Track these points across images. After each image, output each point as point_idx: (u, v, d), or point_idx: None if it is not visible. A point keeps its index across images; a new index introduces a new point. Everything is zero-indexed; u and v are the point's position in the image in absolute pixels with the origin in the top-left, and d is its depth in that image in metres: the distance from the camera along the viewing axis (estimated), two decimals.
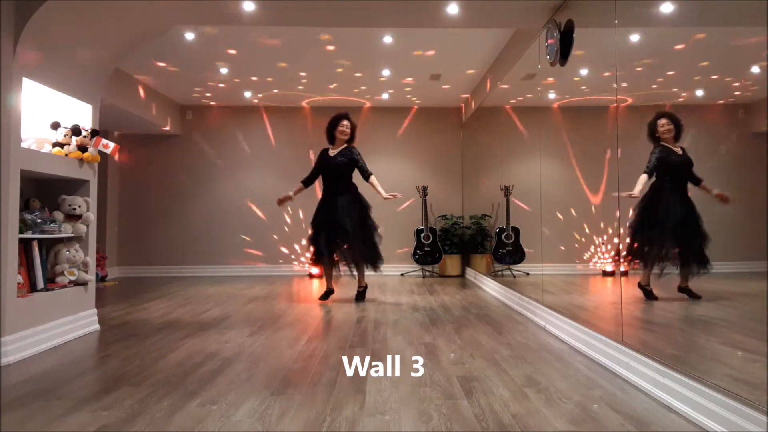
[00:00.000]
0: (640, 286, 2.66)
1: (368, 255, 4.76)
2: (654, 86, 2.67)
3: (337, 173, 4.76)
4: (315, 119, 7.51)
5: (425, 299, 5.00)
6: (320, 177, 4.86)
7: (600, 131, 3.06)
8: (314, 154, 7.61)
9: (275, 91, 6.66)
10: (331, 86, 6.44)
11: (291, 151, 7.49)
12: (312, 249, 4.84)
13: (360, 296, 4.88)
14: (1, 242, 2.74)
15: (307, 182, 4.88)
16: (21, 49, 2.86)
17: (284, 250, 7.45)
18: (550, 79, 3.85)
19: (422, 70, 5.80)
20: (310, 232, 4.91)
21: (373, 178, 4.84)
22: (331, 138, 4.83)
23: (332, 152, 4.81)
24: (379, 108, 7.54)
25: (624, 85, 2.70)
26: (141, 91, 6.18)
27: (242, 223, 7.42)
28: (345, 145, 4.82)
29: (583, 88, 3.48)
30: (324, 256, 4.70)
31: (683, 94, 2.57)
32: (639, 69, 2.71)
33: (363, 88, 6.51)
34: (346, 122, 4.79)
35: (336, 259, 4.78)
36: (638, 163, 2.66)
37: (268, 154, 7.54)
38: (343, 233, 4.62)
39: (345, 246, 4.70)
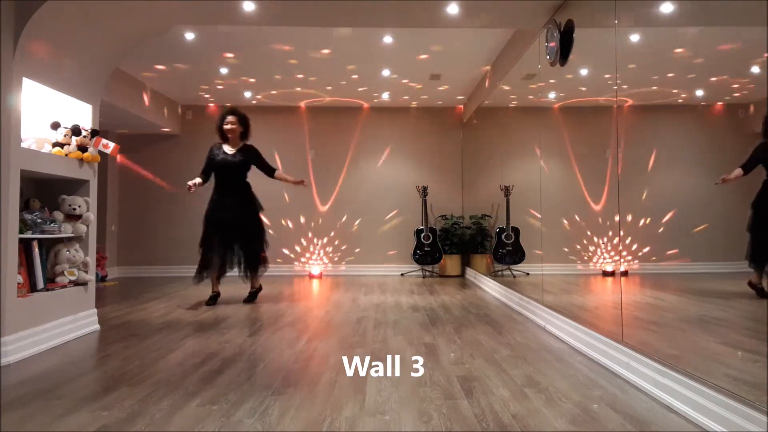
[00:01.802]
0: (750, 284, 2.54)
1: (255, 259, 4.67)
2: (654, 87, 2.67)
3: (231, 172, 4.62)
4: (315, 119, 7.52)
5: (425, 299, 5.00)
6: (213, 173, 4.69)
7: (600, 131, 3.06)
8: (314, 154, 7.71)
9: (274, 91, 6.66)
10: (331, 86, 6.44)
11: (291, 151, 7.49)
12: (201, 250, 4.56)
13: (251, 297, 4.75)
14: (1, 242, 2.74)
15: (203, 178, 4.64)
16: (21, 49, 2.86)
17: (284, 250, 7.45)
18: (551, 80, 3.85)
19: (422, 70, 5.80)
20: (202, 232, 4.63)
21: (278, 172, 4.82)
22: (223, 136, 4.70)
23: (228, 149, 4.66)
24: (379, 108, 7.54)
25: (625, 87, 2.70)
26: (141, 91, 6.18)
27: None
28: (242, 144, 4.72)
29: (582, 88, 3.48)
30: (213, 259, 4.49)
31: (683, 95, 2.57)
32: (639, 69, 2.71)
33: (363, 88, 6.51)
34: (231, 118, 4.65)
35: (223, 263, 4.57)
36: (638, 163, 2.66)
37: (268, 154, 7.50)
38: (234, 236, 4.52)
39: (235, 248, 4.56)
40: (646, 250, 2.72)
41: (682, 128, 2.64)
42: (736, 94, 2.24)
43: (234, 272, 4.70)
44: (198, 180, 4.56)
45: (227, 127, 4.65)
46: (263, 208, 4.79)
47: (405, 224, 7.43)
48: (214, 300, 4.62)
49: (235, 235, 4.54)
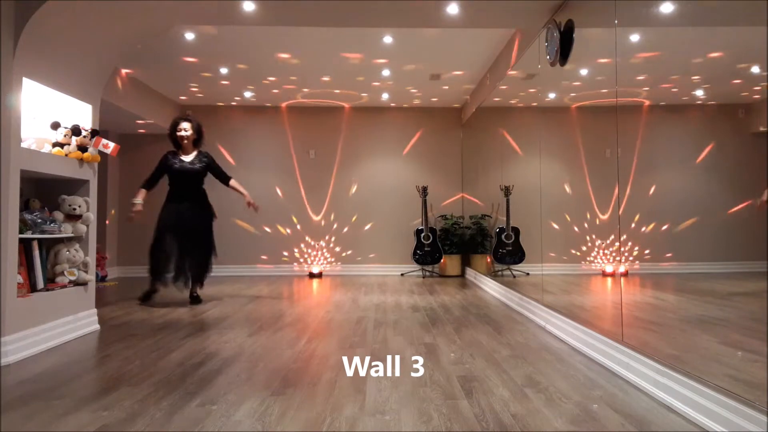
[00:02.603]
0: None
1: (200, 270, 4.61)
2: (653, 87, 2.67)
3: (190, 180, 4.58)
4: (314, 119, 7.52)
5: (425, 299, 5.00)
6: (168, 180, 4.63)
7: (600, 131, 3.06)
8: (314, 154, 7.71)
9: (275, 91, 6.66)
10: (331, 86, 6.44)
11: (290, 150, 7.50)
12: (150, 257, 4.48)
13: (197, 300, 4.69)
14: (1, 242, 2.74)
15: (148, 184, 4.58)
16: (21, 49, 2.86)
17: (284, 251, 7.45)
18: (551, 79, 3.85)
19: (422, 70, 5.80)
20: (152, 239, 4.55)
21: (233, 181, 4.77)
22: (176, 143, 4.64)
23: (184, 157, 4.61)
24: (379, 108, 7.54)
25: (623, 86, 2.70)
26: (141, 91, 6.18)
27: (241, 222, 7.42)
28: (197, 151, 4.68)
29: (582, 87, 3.48)
30: (161, 265, 4.45)
31: (683, 95, 2.57)
32: (639, 68, 2.71)
33: (363, 88, 6.51)
34: (185, 124, 4.61)
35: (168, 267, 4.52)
36: (637, 163, 2.66)
37: (268, 153, 7.54)
38: (186, 241, 4.47)
39: (182, 256, 4.48)
40: (646, 251, 2.72)
41: (683, 128, 2.64)
42: (736, 94, 2.24)
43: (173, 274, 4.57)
44: (140, 199, 4.49)
45: (181, 134, 4.60)
46: (216, 216, 4.78)
47: (405, 224, 7.43)
48: (149, 297, 4.62)
49: (187, 241, 4.48)
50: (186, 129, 4.61)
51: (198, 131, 4.70)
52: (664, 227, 2.63)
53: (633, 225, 2.68)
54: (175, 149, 4.67)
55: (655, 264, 2.76)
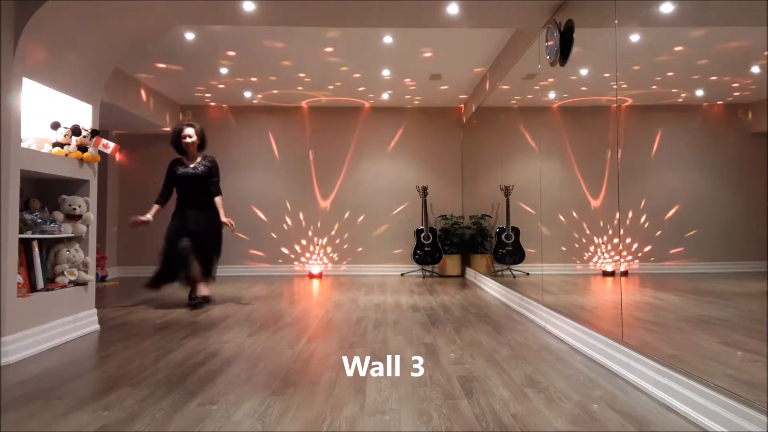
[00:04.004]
0: None
1: (208, 268, 4.56)
2: (654, 87, 2.67)
3: (196, 185, 4.55)
4: (314, 119, 7.52)
5: (425, 299, 5.00)
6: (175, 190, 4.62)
7: (600, 131, 3.06)
8: (314, 154, 7.71)
9: (275, 91, 6.66)
10: (331, 86, 6.44)
11: (290, 151, 7.50)
12: (162, 260, 4.46)
13: (202, 301, 4.53)
14: (1, 242, 2.74)
15: (162, 199, 4.58)
16: (21, 49, 2.86)
17: (284, 250, 7.45)
18: (550, 79, 3.85)
19: (422, 70, 5.80)
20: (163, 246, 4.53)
21: (219, 199, 4.60)
22: (180, 149, 4.62)
23: (189, 162, 4.60)
24: (379, 108, 7.54)
25: (624, 85, 2.70)
26: (141, 91, 6.18)
27: (242, 222, 7.40)
28: (201, 155, 4.66)
29: (582, 87, 3.48)
30: (178, 266, 4.39)
31: (683, 95, 2.57)
32: (638, 68, 2.71)
33: (363, 88, 6.51)
34: (190, 130, 4.58)
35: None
36: (638, 162, 2.66)
37: (268, 153, 7.54)
38: (195, 244, 4.42)
39: (192, 258, 4.42)
40: (646, 249, 2.72)
41: (683, 128, 2.64)
42: (736, 93, 2.24)
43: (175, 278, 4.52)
44: (150, 215, 4.46)
45: (186, 140, 4.58)
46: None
47: (405, 224, 7.43)
48: (198, 301, 4.51)
49: (197, 244, 4.44)
50: (190, 135, 4.59)
51: (201, 136, 4.67)
52: (664, 227, 2.63)
53: (633, 225, 2.68)
54: (180, 156, 4.65)
55: (655, 264, 2.76)
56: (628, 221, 2.67)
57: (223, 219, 4.55)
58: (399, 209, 7.48)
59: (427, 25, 4.03)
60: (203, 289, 4.60)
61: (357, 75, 5.95)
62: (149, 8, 3.37)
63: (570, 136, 3.78)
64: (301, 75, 5.97)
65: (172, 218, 4.58)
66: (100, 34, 3.44)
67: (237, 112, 7.51)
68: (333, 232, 7.49)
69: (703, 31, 2.31)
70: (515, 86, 4.77)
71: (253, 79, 6.11)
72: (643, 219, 2.68)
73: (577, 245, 3.52)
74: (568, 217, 3.75)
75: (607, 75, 2.92)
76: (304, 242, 7.47)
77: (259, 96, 6.91)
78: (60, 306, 3.24)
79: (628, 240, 2.73)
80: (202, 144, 4.70)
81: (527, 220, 4.76)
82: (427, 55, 5.27)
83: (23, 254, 3.03)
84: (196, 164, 4.61)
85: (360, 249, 7.48)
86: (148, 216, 4.48)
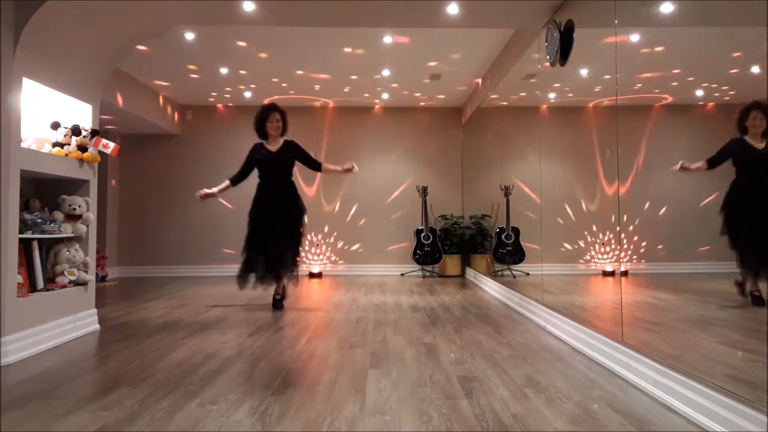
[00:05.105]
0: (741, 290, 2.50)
1: (291, 265, 4.42)
2: (655, 87, 2.67)
3: (276, 171, 4.42)
4: (314, 120, 7.51)
5: (425, 299, 5.00)
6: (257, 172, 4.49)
7: (600, 131, 3.06)
8: (313, 154, 7.67)
9: (275, 91, 6.65)
10: (331, 87, 6.44)
11: None
12: (245, 251, 4.38)
13: (279, 303, 4.45)
14: (1, 242, 2.74)
15: (238, 180, 4.47)
16: (21, 49, 2.86)
17: None
18: (551, 79, 3.85)
19: (422, 71, 5.80)
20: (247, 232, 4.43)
21: (325, 165, 4.59)
22: (264, 133, 4.48)
23: (271, 147, 4.45)
24: (378, 108, 7.54)
25: (624, 86, 2.70)
26: (141, 91, 6.18)
27: (242, 223, 7.40)
28: (282, 141, 4.50)
29: (582, 87, 3.48)
30: (259, 260, 4.30)
31: (683, 95, 2.57)
32: (640, 68, 2.71)
33: (363, 88, 6.51)
34: (276, 114, 4.43)
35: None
36: (638, 162, 2.66)
37: None
38: (275, 235, 4.32)
39: (274, 251, 4.32)
40: (644, 248, 2.72)
41: (683, 128, 2.63)
42: (730, 93, 2.24)
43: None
44: (218, 188, 4.41)
45: (273, 124, 4.43)
46: (306, 210, 4.59)
47: (405, 224, 7.43)
48: (279, 303, 4.44)
49: (276, 235, 4.34)
50: (278, 119, 4.43)
51: (285, 120, 4.51)
52: (665, 227, 2.63)
53: (633, 225, 2.68)
54: (262, 140, 4.53)
55: (656, 264, 2.76)
56: (625, 219, 2.66)
57: (345, 166, 4.50)
58: (399, 209, 7.47)
59: (427, 25, 4.03)
60: (281, 288, 4.49)
61: (357, 75, 5.95)
62: (149, 8, 3.37)
63: (570, 135, 3.78)
64: (301, 75, 5.96)
65: (253, 203, 4.45)
66: (100, 34, 3.44)
67: (237, 112, 7.50)
68: (333, 232, 7.49)
69: (703, 31, 2.31)
70: (515, 86, 4.77)
71: (253, 78, 6.11)
72: (643, 218, 2.68)
73: (575, 247, 3.52)
74: (567, 217, 3.75)
75: (606, 75, 2.92)
76: (305, 241, 7.46)
77: (259, 96, 6.90)
78: (60, 306, 3.24)
79: (626, 239, 2.73)
80: (284, 128, 4.53)
81: (527, 221, 4.76)
82: (427, 55, 5.26)
83: (23, 254, 3.03)
84: (277, 150, 4.47)
85: (360, 249, 7.48)
86: (215, 189, 4.43)
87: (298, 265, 4.54)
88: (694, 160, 2.41)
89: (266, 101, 7.16)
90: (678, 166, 2.44)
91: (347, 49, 5.11)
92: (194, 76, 5.99)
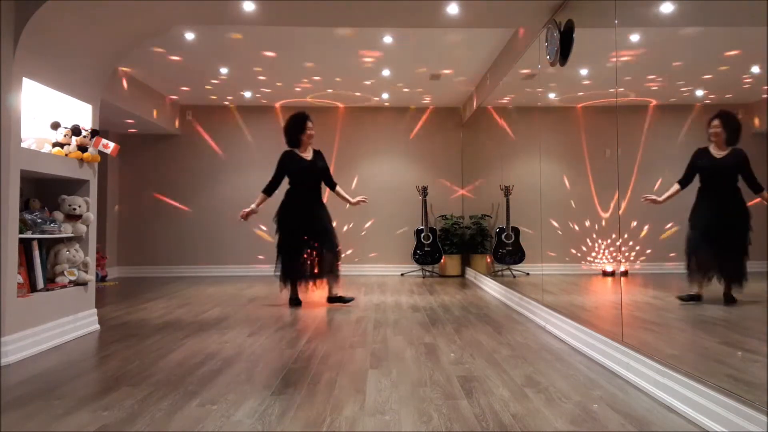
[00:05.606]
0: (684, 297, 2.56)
1: (334, 266, 4.52)
2: (653, 87, 2.67)
3: (313, 178, 4.52)
4: (314, 119, 7.49)
5: (425, 299, 5.00)
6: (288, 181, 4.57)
7: (600, 131, 3.06)
8: None
9: (275, 91, 6.65)
10: (331, 87, 6.44)
11: None
12: (280, 257, 4.47)
13: (341, 299, 4.56)
14: (1, 242, 2.74)
15: (271, 190, 4.54)
16: (21, 49, 2.86)
17: None
18: (551, 79, 3.85)
19: (422, 71, 5.80)
20: (278, 240, 4.51)
21: (338, 188, 4.70)
22: (297, 141, 4.51)
23: (305, 155, 4.52)
24: (379, 108, 7.54)
25: (624, 87, 2.70)
26: (141, 91, 6.18)
27: (242, 223, 7.40)
28: (313, 150, 4.59)
29: (582, 87, 3.48)
30: (295, 266, 4.41)
31: (683, 95, 2.57)
32: (639, 68, 2.71)
33: (363, 88, 6.51)
34: (311, 123, 4.53)
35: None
36: (639, 162, 2.66)
37: (268, 153, 7.51)
38: (313, 240, 4.41)
39: (315, 255, 4.41)
40: (647, 250, 2.72)
41: (682, 128, 2.63)
42: (729, 96, 2.24)
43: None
44: (256, 204, 4.50)
45: (309, 132, 4.49)
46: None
47: (405, 224, 7.43)
48: (297, 303, 4.56)
49: (315, 240, 4.42)
50: (311, 128, 4.52)
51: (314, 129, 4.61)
52: (665, 227, 2.63)
53: (633, 224, 2.68)
54: (291, 147, 4.55)
55: (656, 264, 2.76)
56: (635, 224, 2.66)
57: (357, 199, 4.73)
58: (399, 209, 7.47)
59: (427, 25, 4.03)
60: (335, 289, 4.58)
61: (356, 75, 5.95)
62: (149, 8, 3.37)
63: (570, 135, 3.78)
64: (301, 75, 5.96)
65: (285, 211, 4.48)
66: (100, 34, 3.44)
67: (237, 111, 7.50)
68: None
69: (703, 31, 2.31)
70: (515, 86, 4.77)
71: (253, 78, 6.10)
72: (643, 218, 2.67)
73: (574, 250, 3.52)
74: (569, 216, 3.75)
75: (606, 75, 2.92)
76: None
77: (259, 96, 6.90)
78: (60, 306, 3.24)
79: (627, 239, 2.73)
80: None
81: (528, 220, 4.76)
82: (427, 55, 5.26)
83: (23, 254, 3.03)
84: (312, 158, 4.54)
85: (360, 249, 7.48)
86: (253, 206, 4.52)
87: (338, 267, 4.63)
88: (668, 187, 2.47)
89: (278, 105, 7.19)
90: (643, 200, 2.53)
91: (346, 49, 5.10)
92: (194, 76, 5.99)
